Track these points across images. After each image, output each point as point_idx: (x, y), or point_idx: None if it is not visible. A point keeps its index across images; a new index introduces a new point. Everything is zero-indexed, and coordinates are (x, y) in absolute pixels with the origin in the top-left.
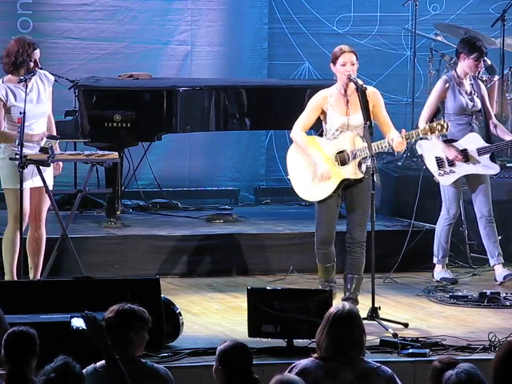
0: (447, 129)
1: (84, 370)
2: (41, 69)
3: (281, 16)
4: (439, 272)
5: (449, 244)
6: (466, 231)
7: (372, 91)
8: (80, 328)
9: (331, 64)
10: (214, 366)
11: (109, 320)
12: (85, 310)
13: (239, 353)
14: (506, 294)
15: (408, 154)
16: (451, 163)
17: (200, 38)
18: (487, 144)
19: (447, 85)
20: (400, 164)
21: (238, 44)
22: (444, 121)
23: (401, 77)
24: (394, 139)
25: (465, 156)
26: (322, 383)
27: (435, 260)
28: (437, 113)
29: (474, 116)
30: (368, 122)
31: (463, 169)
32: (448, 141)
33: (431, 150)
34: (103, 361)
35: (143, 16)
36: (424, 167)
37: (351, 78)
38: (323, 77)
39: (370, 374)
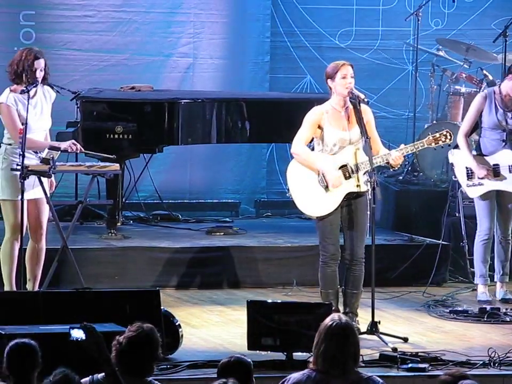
0: (450, 140)
1: (82, 381)
2: (48, 84)
3: (283, 30)
4: (479, 293)
5: (487, 262)
6: (466, 246)
7: (364, 108)
8: (80, 339)
9: (328, 79)
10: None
11: (121, 349)
12: (83, 322)
13: (238, 367)
14: (506, 309)
15: (409, 168)
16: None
17: (202, 51)
18: None
19: (486, 100)
20: (401, 178)
21: (240, 56)
22: (447, 131)
23: (402, 92)
24: (392, 153)
25: (495, 171)
26: None
27: (475, 280)
28: (476, 128)
29: (510, 133)
30: (368, 136)
31: (492, 184)
32: (479, 155)
33: (462, 159)
34: (102, 373)
35: (146, 28)
36: (428, 178)
37: (353, 92)
38: (324, 91)
39: None
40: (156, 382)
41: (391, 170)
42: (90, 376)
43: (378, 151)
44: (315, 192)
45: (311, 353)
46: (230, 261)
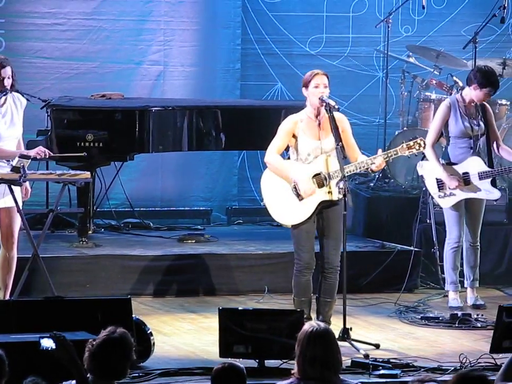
0: (424, 147)
1: None
2: (16, 91)
3: (254, 37)
4: (450, 300)
5: (457, 269)
6: (437, 252)
7: (339, 117)
8: (50, 348)
9: (303, 88)
10: None
11: (94, 350)
12: (53, 330)
13: (232, 374)
14: (477, 315)
15: (380, 175)
16: None
17: (173, 58)
18: (488, 169)
19: (450, 108)
20: (372, 184)
21: (211, 64)
22: (421, 140)
23: (373, 98)
24: (376, 160)
25: (466, 179)
26: None
27: (446, 287)
28: (440, 135)
29: (476, 140)
30: (340, 143)
31: (463, 192)
32: (449, 164)
33: (431, 171)
34: (73, 381)
35: (116, 36)
36: (404, 186)
37: (323, 99)
38: (295, 98)
39: None
40: None
41: (372, 174)
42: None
43: (356, 158)
44: (289, 201)
45: (283, 361)
46: (202, 269)
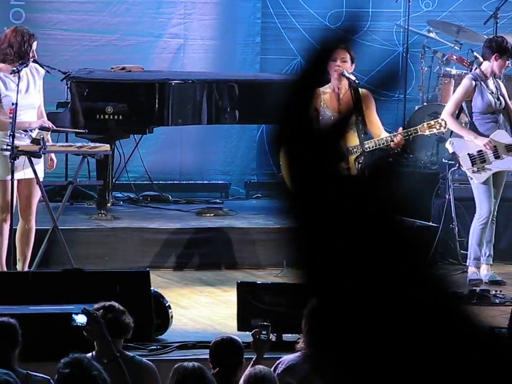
0: (445, 127)
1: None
2: (35, 62)
3: (274, 11)
4: (470, 273)
5: (482, 245)
6: (456, 228)
7: (365, 93)
8: (83, 324)
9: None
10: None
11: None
12: (75, 303)
13: (230, 347)
14: (496, 291)
15: (399, 150)
16: (483, 160)
17: (193, 32)
18: None
19: (474, 83)
20: (391, 159)
21: (231, 38)
22: (442, 119)
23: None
24: (396, 137)
25: (495, 152)
26: (310, 378)
27: (467, 262)
28: (460, 111)
29: (499, 114)
30: (360, 118)
31: (495, 165)
32: None
33: (463, 147)
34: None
35: (136, 9)
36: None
37: (344, 73)
38: None
39: None
40: (142, 358)
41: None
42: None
43: (379, 135)
44: None
45: (301, 335)
46: (220, 242)
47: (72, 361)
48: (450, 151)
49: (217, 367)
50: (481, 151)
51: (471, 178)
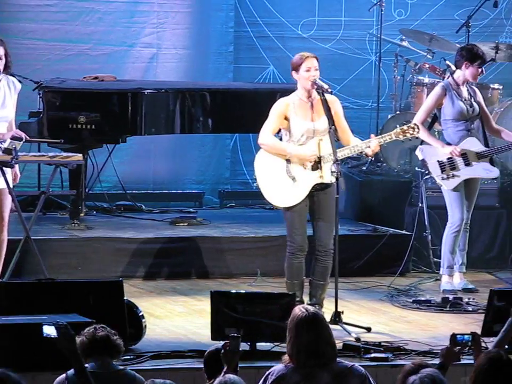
0: (418, 132)
1: (58, 378)
2: (12, 75)
3: (246, 20)
4: (443, 283)
5: (455, 253)
6: (429, 236)
7: (332, 99)
8: (51, 336)
9: (293, 71)
10: None
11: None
12: (48, 314)
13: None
14: (469, 299)
15: (373, 159)
16: (453, 167)
17: (166, 41)
18: (486, 148)
19: (445, 91)
20: (364, 168)
21: (204, 47)
22: (415, 124)
23: (365, 82)
24: (372, 142)
25: (465, 160)
26: None
27: (440, 270)
28: (434, 120)
29: (472, 122)
30: (333, 126)
31: (465, 173)
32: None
33: (432, 154)
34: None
35: (109, 18)
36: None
37: (316, 82)
38: (287, 81)
39: (345, 374)
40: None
41: (366, 158)
42: (65, 373)
43: (348, 140)
44: (282, 183)
45: (275, 344)
46: (194, 252)
47: None
48: (420, 157)
49: (212, 378)
50: (451, 158)
51: (441, 186)
